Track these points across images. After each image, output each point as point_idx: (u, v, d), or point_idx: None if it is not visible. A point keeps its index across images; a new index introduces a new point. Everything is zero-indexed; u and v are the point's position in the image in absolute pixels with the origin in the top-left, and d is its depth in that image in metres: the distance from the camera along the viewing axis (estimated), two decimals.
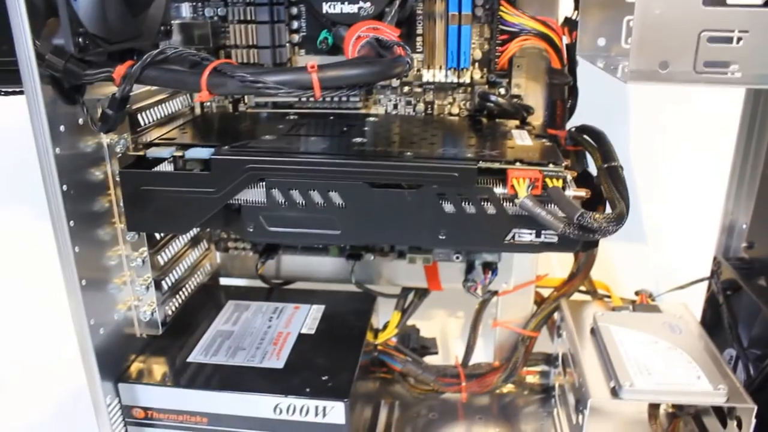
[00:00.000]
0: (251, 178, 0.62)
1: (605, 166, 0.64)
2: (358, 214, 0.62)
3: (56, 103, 0.59)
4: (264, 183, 0.62)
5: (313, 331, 0.78)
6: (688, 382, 0.67)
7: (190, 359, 0.73)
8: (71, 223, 0.61)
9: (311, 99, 0.76)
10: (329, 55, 0.76)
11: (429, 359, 0.90)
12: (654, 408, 0.77)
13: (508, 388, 0.91)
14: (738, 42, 0.52)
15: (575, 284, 0.83)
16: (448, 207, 0.61)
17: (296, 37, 0.76)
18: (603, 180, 0.63)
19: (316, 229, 0.63)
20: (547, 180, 0.59)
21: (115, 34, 0.61)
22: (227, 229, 0.68)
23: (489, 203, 0.60)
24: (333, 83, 0.54)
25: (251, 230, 0.64)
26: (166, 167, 0.66)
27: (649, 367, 0.69)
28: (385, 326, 0.86)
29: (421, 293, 0.88)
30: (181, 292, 0.79)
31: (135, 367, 0.72)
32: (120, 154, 0.66)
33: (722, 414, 0.70)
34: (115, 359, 0.70)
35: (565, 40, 0.72)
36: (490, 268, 0.82)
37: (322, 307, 0.83)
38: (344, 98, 0.76)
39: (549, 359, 0.89)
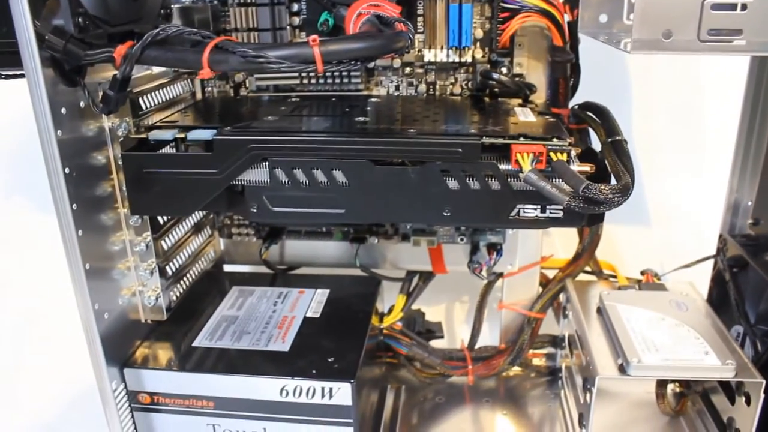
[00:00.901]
0: (254, 158, 0.61)
1: (609, 140, 0.64)
2: (362, 192, 0.62)
3: (57, 86, 0.59)
4: (267, 163, 0.61)
5: (318, 315, 0.78)
6: (696, 357, 0.67)
7: (195, 344, 0.73)
8: (74, 206, 0.61)
9: (313, 81, 0.77)
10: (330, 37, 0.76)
11: (435, 343, 0.89)
12: (662, 387, 0.77)
13: (515, 370, 0.91)
14: (743, 9, 0.52)
15: (580, 264, 0.83)
16: (452, 183, 0.60)
17: (297, 20, 0.75)
18: (607, 154, 0.63)
19: (320, 209, 0.63)
20: (551, 154, 0.59)
21: (115, 16, 0.61)
22: (231, 210, 0.68)
23: (493, 179, 0.60)
24: (335, 57, 0.53)
25: (255, 211, 0.64)
26: (169, 150, 0.66)
27: (657, 343, 0.69)
28: (390, 310, 0.85)
29: (426, 276, 0.87)
30: (185, 278, 0.79)
31: (140, 352, 0.72)
32: (122, 138, 0.66)
33: (730, 391, 0.70)
34: (120, 344, 0.69)
35: (567, 18, 0.72)
36: (494, 249, 0.82)
37: (327, 291, 0.83)
38: (346, 80, 0.76)
39: (555, 341, 0.89)
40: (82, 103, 0.62)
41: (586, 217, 0.62)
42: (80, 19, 0.57)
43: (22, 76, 0.59)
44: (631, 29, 0.54)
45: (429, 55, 0.74)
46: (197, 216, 0.81)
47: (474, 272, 0.82)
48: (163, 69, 0.74)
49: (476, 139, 0.59)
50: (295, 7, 0.75)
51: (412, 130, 0.62)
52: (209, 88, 0.80)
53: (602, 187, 0.55)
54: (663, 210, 1.07)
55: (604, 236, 0.84)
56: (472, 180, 0.60)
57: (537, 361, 0.91)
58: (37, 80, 0.56)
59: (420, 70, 0.77)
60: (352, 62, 0.55)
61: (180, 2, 0.75)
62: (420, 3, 0.73)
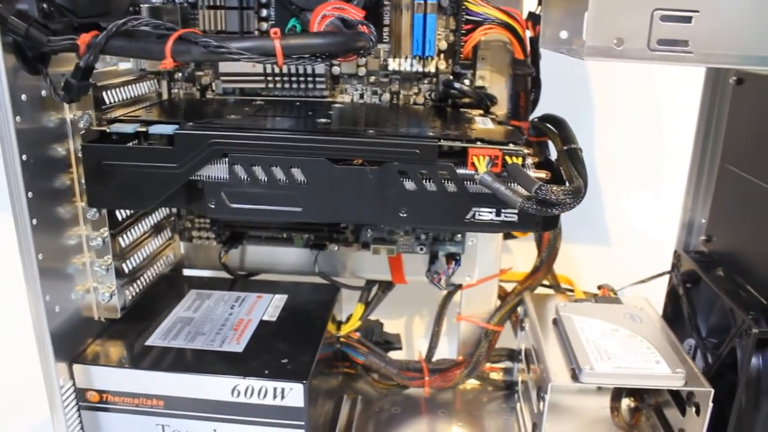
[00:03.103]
0: (214, 153, 0.62)
1: (565, 148, 0.65)
2: (320, 190, 0.62)
3: (18, 72, 0.59)
4: (227, 159, 0.62)
5: (274, 319, 0.78)
6: (647, 366, 0.68)
7: (148, 343, 0.72)
8: (30, 194, 0.61)
9: (278, 86, 0.78)
10: None
11: (393, 355, 0.89)
12: (616, 401, 0.78)
13: (472, 384, 0.90)
14: (690, 21, 0.54)
15: (538, 278, 0.84)
16: (410, 185, 0.61)
17: (265, 26, 0.76)
18: (562, 161, 0.64)
19: (277, 206, 0.63)
20: (507, 158, 0.60)
21: (82, 8, 0.62)
22: (189, 206, 0.68)
23: (450, 181, 0.61)
24: (295, 51, 0.54)
25: (213, 206, 0.63)
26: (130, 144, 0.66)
27: (610, 352, 0.69)
28: (348, 319, 0.85)
29: (385, 286, 0.87)
30: (142, 278, 0.78)
31: (91, 349, 0.71)
32: (83, 131, 0.66)
33: (681, 402, 0.70)
34: (70, 340, 0.68)
35: (529, 33, 0.74)
36: (453, 258, 0.82)
37: (285, 296, 0.82)
38: (311, 85, 0.77)
39: (512, 355, 0.89)
40: (43, 92, 0.62)
41: (541, 222, 0.63)
42: (45, 5, 0.57)
43: None
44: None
45: (393, 65, 0.75)
46: (157, 216, 0.81)
47: (432, 281, 0.82)
48: (128, 66, 0.74)
49: (434, 141, 0.61)
50: (264, 12, 0.76)
51: (371, 131, 0.63)
52: (175, 90, 0.80)
53: (554, 188, 0.56)
54: (621, 229, 1.09)
55: (564, 254, 0.85)
56: (429, 182, 0.61)
57: (494, 375, 0.92)
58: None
59: (384, 80, 0.78)
60: (312, 58, 0.56)
61: (149, 2, 0.76)
62: (386, 13, 0.75)
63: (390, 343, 0.90)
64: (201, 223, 0.86)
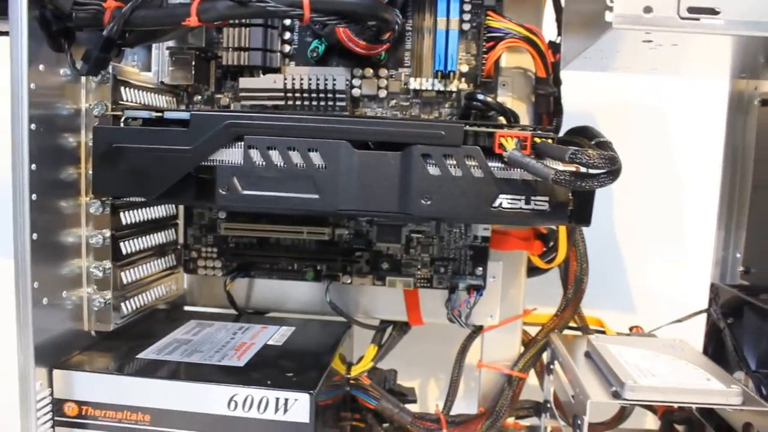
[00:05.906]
0: (230, 135, 0.59)
1: (592, 143, 0.63)
2: (339, 176, 0.59)
3: (41, 45, 0.59)
4: (242, 143, 0.59)
5: (280, 344, 0.71)
6: (699, 382, 0.60)
7: (139, 356, 0.65)
8: (33, 166, 0.58)
9: (298, 103, 0.77)
10: (319, 66, 0.77)
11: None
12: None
13: None
14: None
15: (565, 317, 0.77)
16: (434, 170, 0.58)
17: (287, 48, 0.77)
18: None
19: (293, 193, 0.60)
20: (536, 139, 0.58)
21: None
22: (198, 199, 0.64)
23: (476, 168, 0.58)
24: (323, 6, 0.54)
25: (224, 193, 0.60)
26: None
27: (654, 371, 0.62)
28: (360, 360, 0.78)
29: (401, 327, 0.81)
30: (139, 298, 0.72)
31: (76, 359, 0.64)
32: (98, 118, 0.64)
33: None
34: (54, 346, 0.62)
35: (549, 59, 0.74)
36: (474, 289, 0.76)
37: (292, 328, 0.76)
38: (330, 104, 0.76)
39: (539, 408, 0.80)
40: (62, 72, 0.62)
41: (573, 214, 0.59)
42: None
43: (4, 33, 0.59)
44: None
45: (415, 84, 0.75)
46: (163, 237, 0.76)
47: (452, 315, 0.75)
48: (149, 74, 0.74)
49: (460, 124, 0.59)
50: (287, 35, 0.77)
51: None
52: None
53: (590, 151, 0.53)
54: (643, 289, 1.03)
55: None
56: (455, 168, 0.58)
57: None
58: (20, 24, 0.56)
59: (405, 103, 0.77)
60: (339, 19, 0.56)
61: None
62: (408, 38, 0.76)
63: (404, 395, 0.81)
64: (208, 252, 0.81)
